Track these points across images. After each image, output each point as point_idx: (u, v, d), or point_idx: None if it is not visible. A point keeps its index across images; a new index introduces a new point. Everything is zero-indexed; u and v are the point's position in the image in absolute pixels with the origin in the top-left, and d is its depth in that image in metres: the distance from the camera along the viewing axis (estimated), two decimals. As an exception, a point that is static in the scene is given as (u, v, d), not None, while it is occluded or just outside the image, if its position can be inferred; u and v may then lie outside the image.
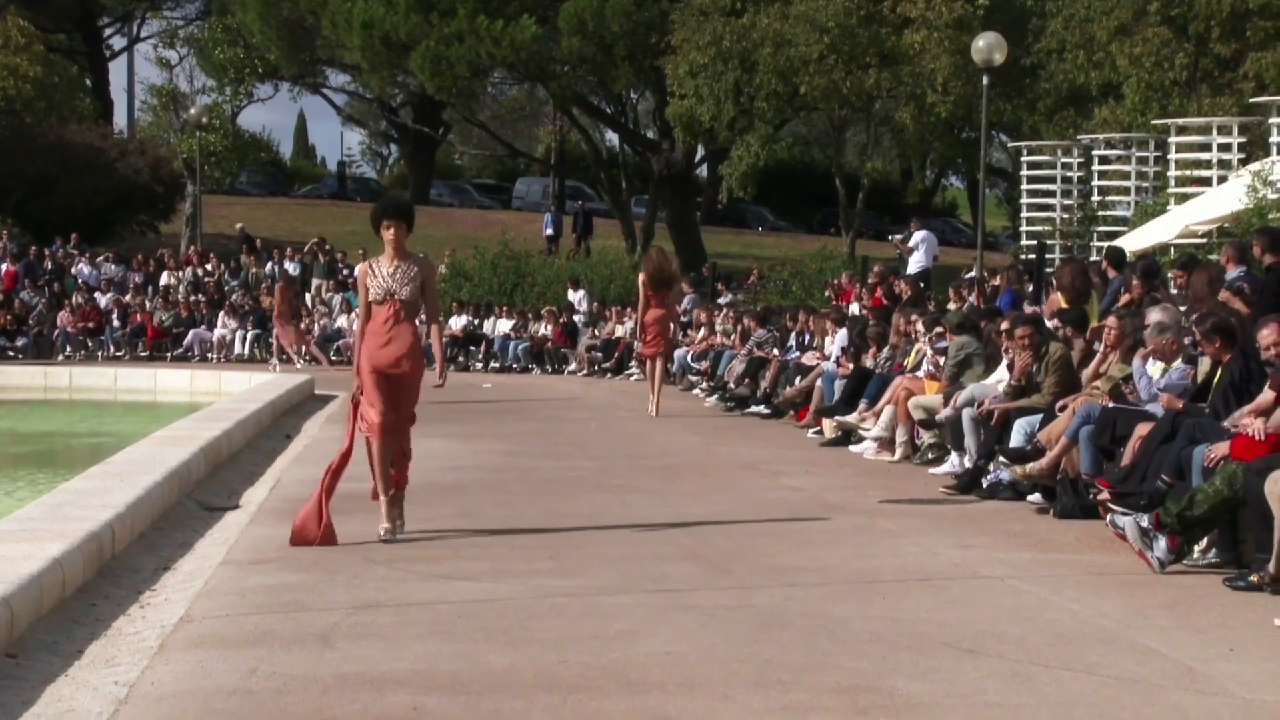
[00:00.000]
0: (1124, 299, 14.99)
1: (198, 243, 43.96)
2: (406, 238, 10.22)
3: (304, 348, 32.77)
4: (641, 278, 20.60)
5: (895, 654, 6.96)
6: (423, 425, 10.93)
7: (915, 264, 26.18)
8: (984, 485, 12.59)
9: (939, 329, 15.86)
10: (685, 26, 37.81)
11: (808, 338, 21.43)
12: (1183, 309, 12.90)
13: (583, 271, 37.24)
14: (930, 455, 14.86)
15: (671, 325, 21.07)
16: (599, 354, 30.77)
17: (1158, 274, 15.90)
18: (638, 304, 20.98)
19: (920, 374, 15.86)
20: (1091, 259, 24.25)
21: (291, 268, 38.81)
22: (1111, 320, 12.75)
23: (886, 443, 15.52)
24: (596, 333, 31.82)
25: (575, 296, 34.26)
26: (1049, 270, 21.95)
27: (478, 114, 54.26)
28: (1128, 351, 12.22)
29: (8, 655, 6.94)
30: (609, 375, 29.79)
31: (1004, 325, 14.23)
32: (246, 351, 35.04)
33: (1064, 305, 14.62)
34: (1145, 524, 9.05)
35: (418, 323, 10.52)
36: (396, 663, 6.79)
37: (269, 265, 39.27)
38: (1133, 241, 22.77)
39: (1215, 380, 10.49)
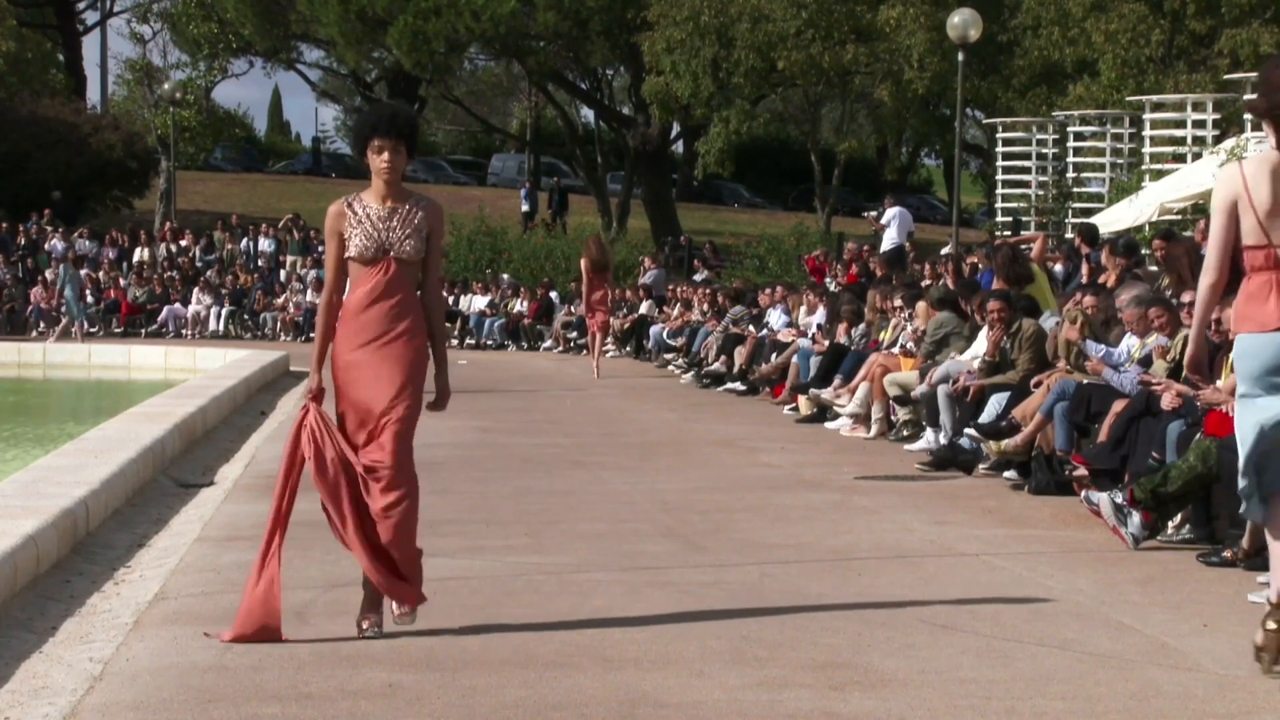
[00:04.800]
0: (1103, 278, 15.00)
1: (172, 219, 43.77)
2: (406, 166, 6.99)
3: None
4: (584, 264, 23.53)
5: (870, 630, 6.97)
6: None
7: (888, 240, 26.18)
8: (965, 452, 12.52)
9: (921, 304, 15.86)
10: (662, 2, 37.70)
11: (781, 312, 21.43)
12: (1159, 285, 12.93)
13: (559, 248, 37.19)
14: (905, 432, 14.89)
15: (609, 301, 24.29)
16: (574, 331, 30.73)
17: (1137, 250, 15.94)
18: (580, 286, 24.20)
19: (895, 350, 15.88)
20: (1066, 235, 24.29)
21: (266, 244, 38.68)
22: (1089, 300, 12.78)
23: (862, 419, 15.55)
24: (572, 309, 31.78)
25: None
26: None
27: (454, 90, 54.10)
28: (1102, 327, 12.25)
29: (-19, 632, 6.92)
30: (584, 352, 29.76)
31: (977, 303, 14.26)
32: (221, 328, 34.94)
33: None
34: (1120, 500, 9.08)
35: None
36: (371, 639, 6.78)
37: (244, 242, 39.14)
38: (1108, 220, 22.76)
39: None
